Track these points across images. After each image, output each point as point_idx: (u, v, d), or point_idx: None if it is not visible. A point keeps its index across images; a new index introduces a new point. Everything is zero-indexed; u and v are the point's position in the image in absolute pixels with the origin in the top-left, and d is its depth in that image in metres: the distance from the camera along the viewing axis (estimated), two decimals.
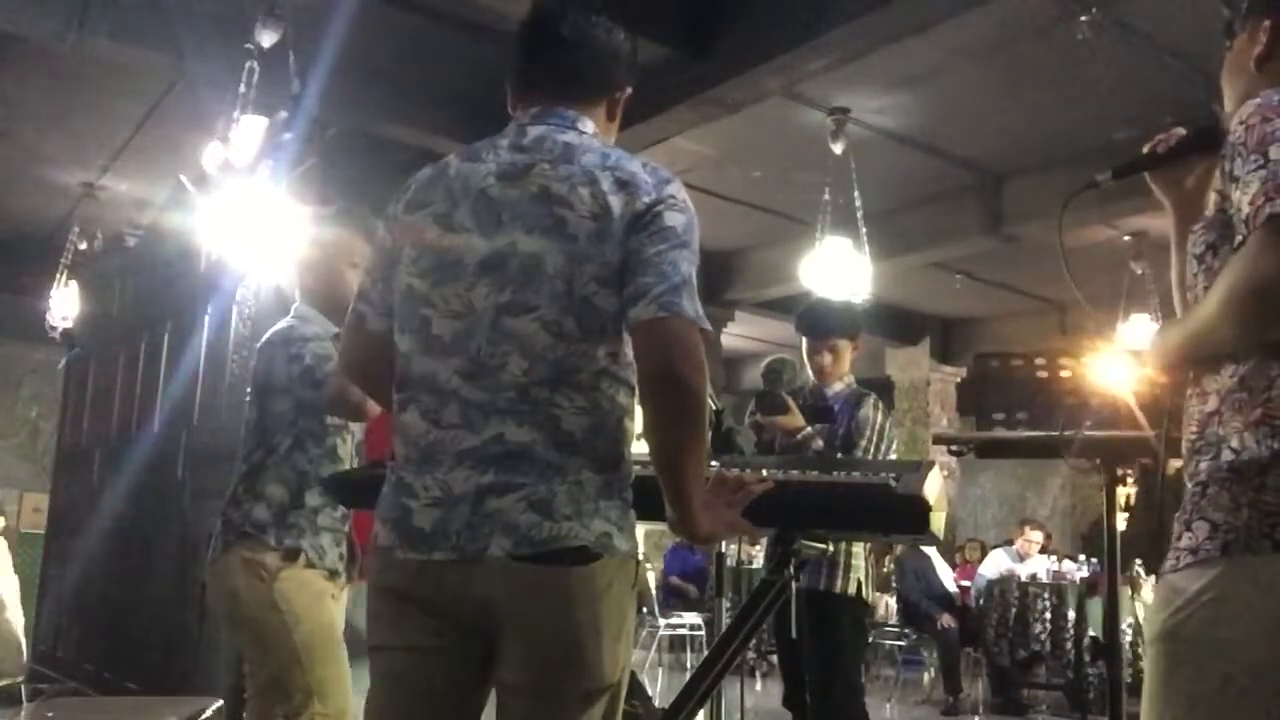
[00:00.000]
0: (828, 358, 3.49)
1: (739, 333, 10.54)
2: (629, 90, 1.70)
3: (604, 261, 1.47)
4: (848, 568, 3.34)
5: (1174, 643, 1.33)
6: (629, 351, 1.51)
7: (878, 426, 3.39)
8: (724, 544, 2.76)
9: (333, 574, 2.49)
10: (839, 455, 3.31)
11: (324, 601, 2.47)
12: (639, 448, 1.54)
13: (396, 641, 1.53)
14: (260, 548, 2.43)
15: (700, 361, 1.44)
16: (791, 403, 3.24)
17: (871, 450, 3.36)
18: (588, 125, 1.61)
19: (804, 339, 3.54)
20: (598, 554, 1.44)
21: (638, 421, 1.54)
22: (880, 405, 3.46)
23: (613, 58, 1.67)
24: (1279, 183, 1.25)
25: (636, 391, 1.51)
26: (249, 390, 2.65)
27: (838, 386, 3.49)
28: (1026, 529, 8.49)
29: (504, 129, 1.64)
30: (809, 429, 3.26)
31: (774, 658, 6.86)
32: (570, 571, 1.43)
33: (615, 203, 1.48)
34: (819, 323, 3.57)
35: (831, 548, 3.11)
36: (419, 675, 1.52)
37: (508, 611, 1.45)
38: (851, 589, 3.34)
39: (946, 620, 7.29)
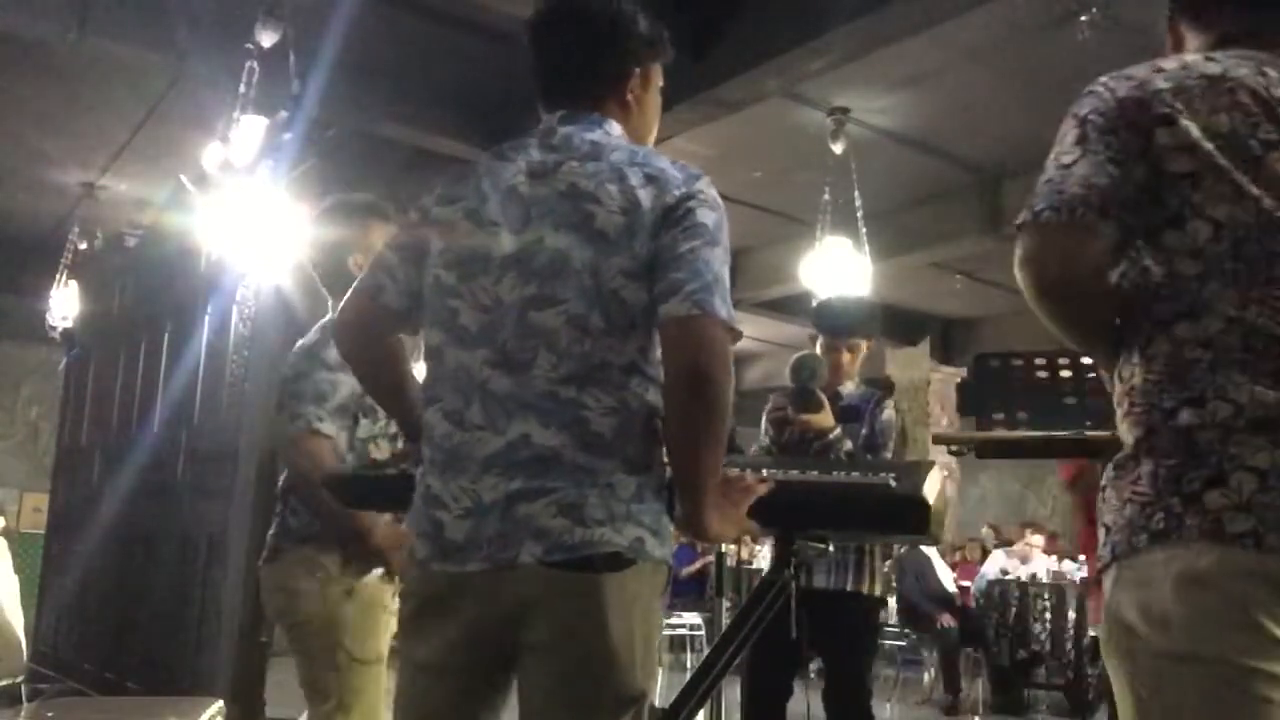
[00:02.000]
0: (846, 356, 3.40)
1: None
2: (641, 70, 1.66)
3: (633, 255, 1.46)
4: (873, 569, 3.29)
5: (1107, 656, 1.28)
6: (658, 349, 1.49)
7: (900, 430, 3.35)
8: (724, 544, 2.75)
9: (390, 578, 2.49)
10: (866, 457, 3.23)
11: (375, 613, 2.46)
12: None
13: (421, 658, 1.51)
14: (322, 551, 2.44)
15: (728, 363, 1.43)
16: (826, 401, 3.18)
17: (894, 454, 3.30)
18: (614, 128, 1.60)
19: (821, 336, 3.43)
20: (631, 560, 1.42)
21: None
22: (897, 407, 3.42)
23: (623, 48, 1.64)
24: (1037, 191, 1.29)
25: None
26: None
27: (849, 386, 3.42)
28: (1028, 532, 8.48)
29: (526, 129, 1.63)
30: (838, 429, 3.18)
31: None
32: (603, 578, 1.40)
33: (644, 196, 1.47)
34: (842, 321, 3.47)
35: (832, 548, 3.08)
36: (444, 689, 1.50)
37: (540, 617, 1.42)
38: (878, 589, 3.31)
39: (946, 620, 7.28)
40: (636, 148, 1.57)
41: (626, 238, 1.46)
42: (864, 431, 3.29)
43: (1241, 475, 1.17)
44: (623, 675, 1.42)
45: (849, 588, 3.24)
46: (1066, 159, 1.29)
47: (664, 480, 1.51)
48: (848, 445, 3.19)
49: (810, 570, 3.13)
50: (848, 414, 3.28)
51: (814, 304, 3.62)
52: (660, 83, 1.73)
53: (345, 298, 1.67)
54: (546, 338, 1.46)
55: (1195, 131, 1.25)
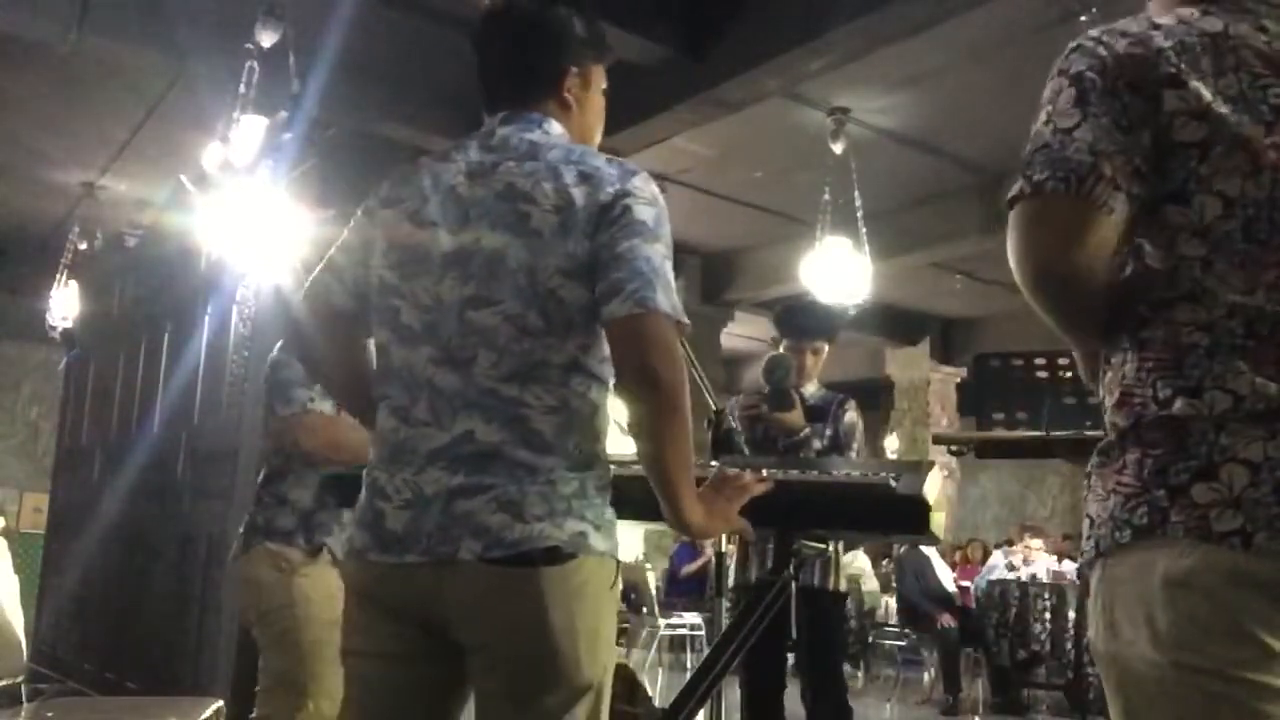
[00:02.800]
0: (810, 359, 3.52)
1: (739, 333, 10.53)
2: (579, 70, 1.65)
3: (568, 254, 1.46)
4: (837, 565, 3.44)
5: (1096, 657, 1.20)
6: (603, 347, 1.49)
7: (861, 430, 3.51)
8: (724, 544, 2.77)
9: None
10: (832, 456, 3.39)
11: (337, 601, 2.51)
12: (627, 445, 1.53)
13: (367, 648, 1.52)
14: (285, 545, 2.55)
15: (675, 356, 1.43)
16: (798, 401, 3.30)
17: (860, 454, 3.49)
18: (554, 127, 1.61)
19: (785, 339, 3.55)
20: (572, 553, 1.43)
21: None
22: (857, 408, 3.56)
23: (557, 46, 1.64)
24: (1030, 159, 1.16)
25: (613, 386, 1.51)
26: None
27: (811, 388, 3.54)
28: (1028, 536, 8.48)
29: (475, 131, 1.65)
30: (808, 429, 3.32)
31: None
32: (542, 572, 1.41)
33: (578, 195, 1.47)
34: (806, 324, 3.59)
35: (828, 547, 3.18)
36: (389, 683, 1.51)
37: (481, 615, 1.43)
38: (843, 585, 3.50)
39: (946, 620, 7.28)
40: (574, 146, 1.57)
41: (561, 236, 1.46)
42: (829, 432, 3.43)
43: (1232, 468, 1.08)
44: (568, 668, 1.43)
45: (816, 584, 3.37)
46: (1065, 122, 1.14)
47: (608, 477, 1.52)
48: (818, 444, 3.35)
49: None
50: (813, 414, 3.42)
51: (774, 309, 3.76)
52: (604, 84, 1.72)
53: (298, 302, 1.68)
54: (485, 336, 1.47)
55: (1207, 94, 1.11)
